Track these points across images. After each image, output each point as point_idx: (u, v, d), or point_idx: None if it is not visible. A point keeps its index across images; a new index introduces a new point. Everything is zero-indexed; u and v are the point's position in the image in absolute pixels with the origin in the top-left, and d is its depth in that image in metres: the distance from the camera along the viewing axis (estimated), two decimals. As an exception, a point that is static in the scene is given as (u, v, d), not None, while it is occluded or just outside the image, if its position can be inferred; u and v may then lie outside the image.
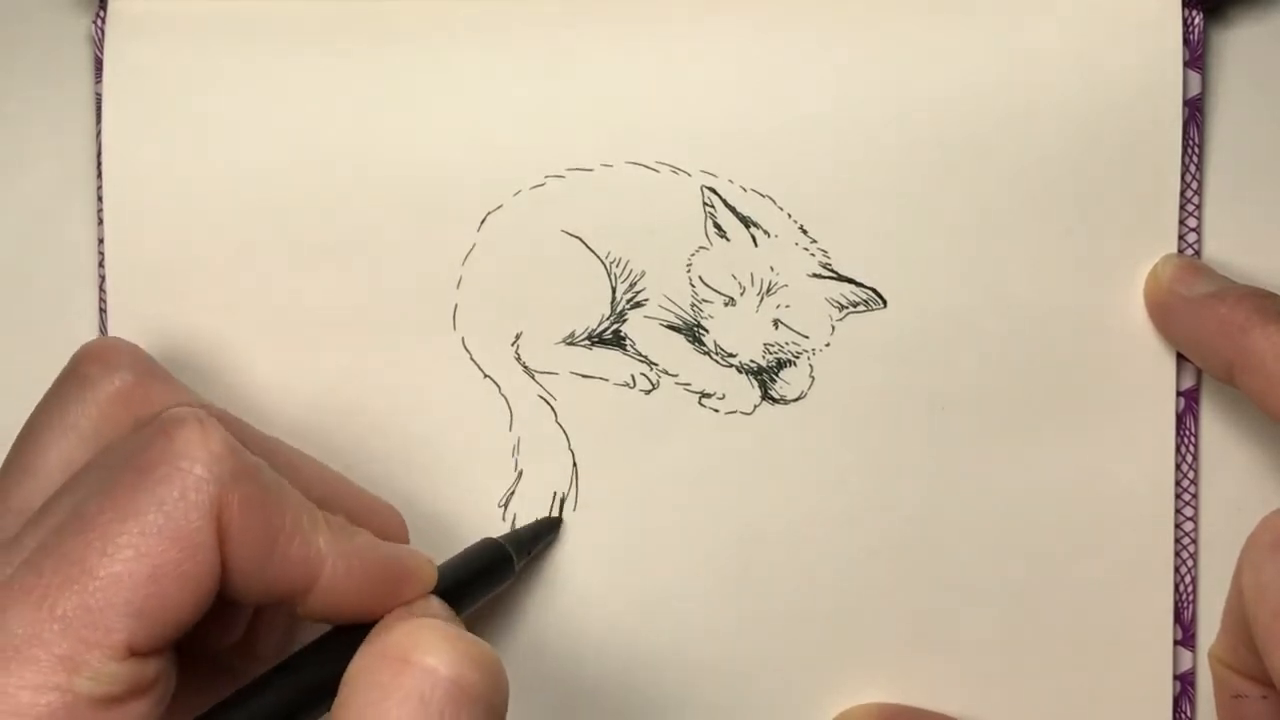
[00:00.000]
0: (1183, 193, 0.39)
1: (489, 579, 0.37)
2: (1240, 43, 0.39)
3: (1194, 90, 0.39)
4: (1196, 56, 0.39)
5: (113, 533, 0.29)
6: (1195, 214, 0.39)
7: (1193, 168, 0.39)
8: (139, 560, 0.29)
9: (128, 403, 0.34)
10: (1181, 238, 0.39)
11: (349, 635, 0.32)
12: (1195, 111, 0.39)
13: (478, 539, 0.39)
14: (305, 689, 0.32)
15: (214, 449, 0.30)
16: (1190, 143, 0.39)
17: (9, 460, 0.34)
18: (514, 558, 0.38)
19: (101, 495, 0.30)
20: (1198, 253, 0.39)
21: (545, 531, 0.40)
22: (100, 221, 0.40)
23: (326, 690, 0.31)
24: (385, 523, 0.37)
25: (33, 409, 0.34)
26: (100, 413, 0.34)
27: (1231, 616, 0.35)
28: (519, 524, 0.40)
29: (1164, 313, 0.38)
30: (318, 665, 0.32)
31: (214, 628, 0.35)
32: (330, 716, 0.30)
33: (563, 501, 0.40)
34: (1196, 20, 0.39)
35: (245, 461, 0.31)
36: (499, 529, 0.40)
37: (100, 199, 0.40)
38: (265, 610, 0.36)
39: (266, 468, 0.31)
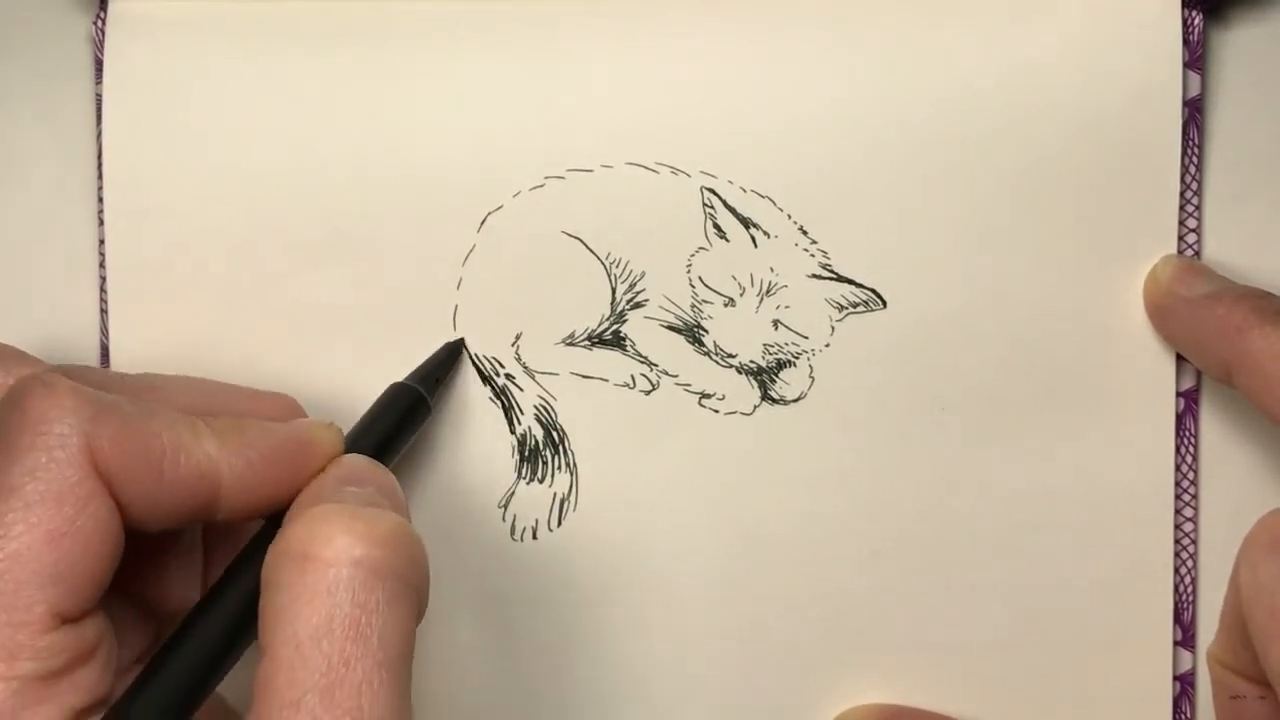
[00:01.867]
0: (1182, 193, 0.39)
1: (406, 424, 0.37)
2: (1240, 43, 0.39)
3: (1194, 91, 0.39)
4: (1196, 57, 0.39)
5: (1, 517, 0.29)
6: (1195, 214, 0.39)
7: (1193, 168, 0.39)
8: (32, 531, 0.29)
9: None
10: (1181, 238, 0.39)
11: (268, 535, 0.32)
12: (1195, 112, 0.39)
13: (475, 538, 0.39)
14: (241, 604, 0.32)
15: (66, 403, 0.30)
16: (1190, 143, 0.39)
17: None
18: (425, 394, 0.38)
19: None
20: (1198, 253, 0.39)
21: (448, 358, 0.39)
22: (101, 222, 0.40)
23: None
24: (278, 409, 0.36)
25: None
26: None
27: (1229, 617, 0.35)
28: (519, 526, 0.40)
29: (1163, 313, 0.38)
30: (247, 576, 0.32)
31: (174, 584, 0.35)
32: (258, 624, 0.30)
33: (563, 502, 0.40)
34: (1196, 21, 0.39)
35: (101, 403, 0.31)
36: (499, 530, 0.40)
37: (100, 199, 0.40)
38: (217, 550, 0.36)
39: (125, 400, 0.31)
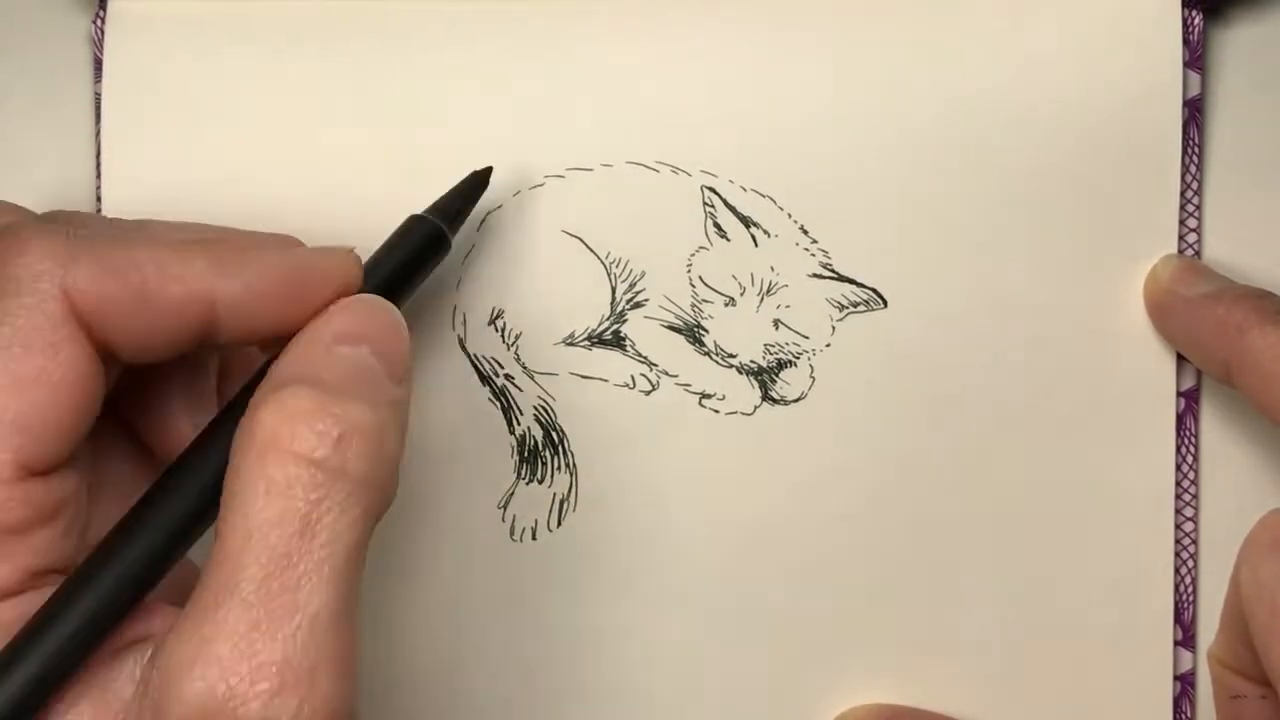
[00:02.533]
0: (1183, 193, 0.39)
1: (421, 259, 0.35)
2: (1240, 43, 0.40)
3: (1194, 90, 0.39)
4: (1196, 57, 0.39)
5: None
6: (1195, 214, 0.39)
7: (1193, 168, 0.39)
8: (0, 380, 0.28)
9: None
10: (1181, 238, 0.39)
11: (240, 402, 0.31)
12: (1195, 112, 0.39)
13: (477, 540, 0.39)
14: (211, 477, 0.30)
15: (35, 248, 0.29)
16: (1190, 143, 0.39)
17: None
18: (444, 228, 0.36)
19: None
20: (1198, 253, 0.39)
21: (471, 190, 0.37)
22: (100, 222, 0.40)
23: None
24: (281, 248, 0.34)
25: None
26: None
27: (1230, 616, 0.35)
28: (519, 526, 0.40)
29: (1162, 313, 0.38)
30: (216, 444, 0.31)
31: (180, 422, 0.34)
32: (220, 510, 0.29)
33: (562, 503, 0.40)
34: (1196, 20, 0.39)
35: (75, 243, 0.29)
36: (499, 530, 0.40)
37: (100, 199, 0.40)
38: (232, 382, 0.35)
39: (104, 236, 0.30)
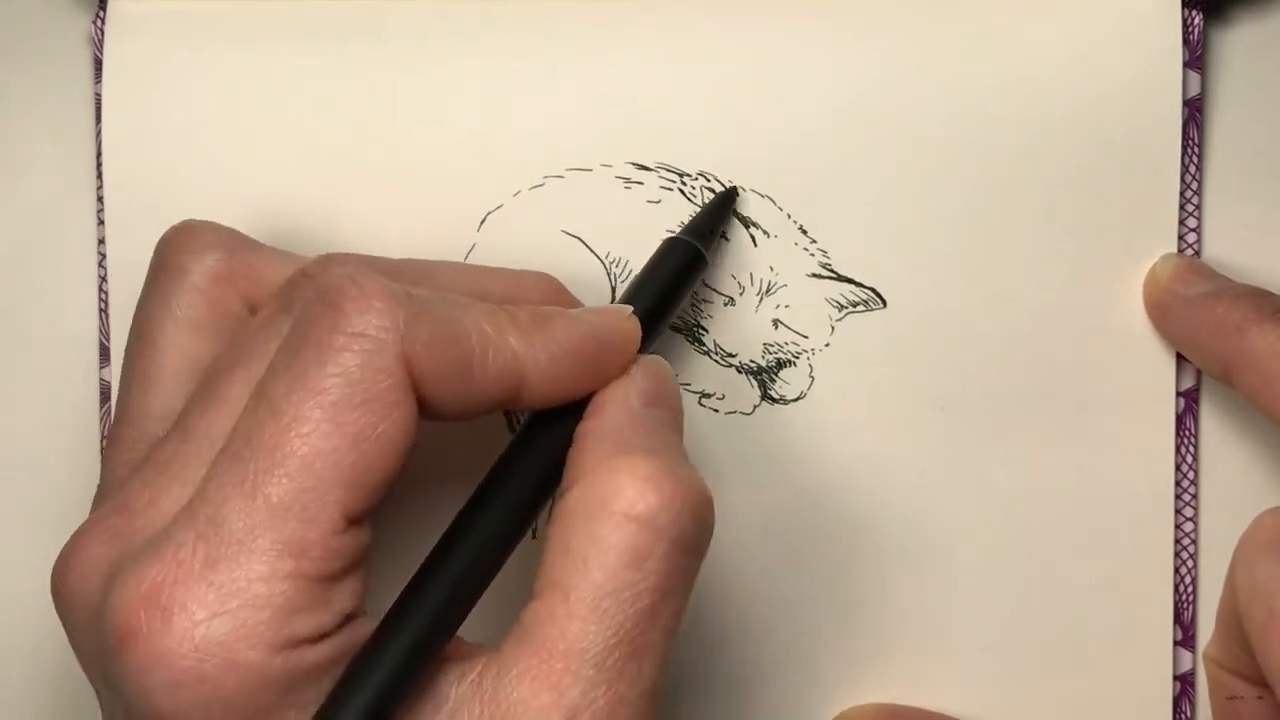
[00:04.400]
0: (1182, 193, 0.39)
1: (685, 283, 0.37)
2: (1240, 43, 0.39)
3: (1194, 90, 0.39)
4: (1196, 56, 0.39)
5: (306, 412, 0.29)
6: (1195, 214, 0.39)
7: (1192, 168, 0.39)
8: (338, 433, 0.29)
9: (230, 281, 0.34)
10: (1181, 238, 0.39)
11: (555, 422, 0.32)
12: (1195, 111, 0.39)
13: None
14: (530, 492, 0.32)
15: (380, 306, 0.30)
16: (1190, 143, 0.39)
17: (127, 370, 0.34)
18: (701, 250, 0.37)
19: (287, 377, 0.29)
20: (1197, 253, 0.39)
21: (722, 207, 0.38)
22: (100, 222, 0.40)
23: (549, 484, 0.32)
24: (544, 294, 0.36)
25: (134, 313, 0.34)
26: (205, 299, 0.34)
27: (1225, 617, 0.35)
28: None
29: (1162, 312, 0.38)
30: (538, 458, 0.32)
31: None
32: (547, 551, 0.30)
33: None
34: (1196, 20, 0.39)
35: (415, 303, 0.30)
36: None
37: (100, 199, 0.40)
38: None
39: (434, 297, 0.31)
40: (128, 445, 0.33)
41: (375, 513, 0.30)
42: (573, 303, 0.36)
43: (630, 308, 0.34)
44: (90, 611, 0.29)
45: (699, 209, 0.38)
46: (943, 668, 0.40)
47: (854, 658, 0.40)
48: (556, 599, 0.29)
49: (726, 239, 0.39)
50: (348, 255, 0.34)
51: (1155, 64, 0.38)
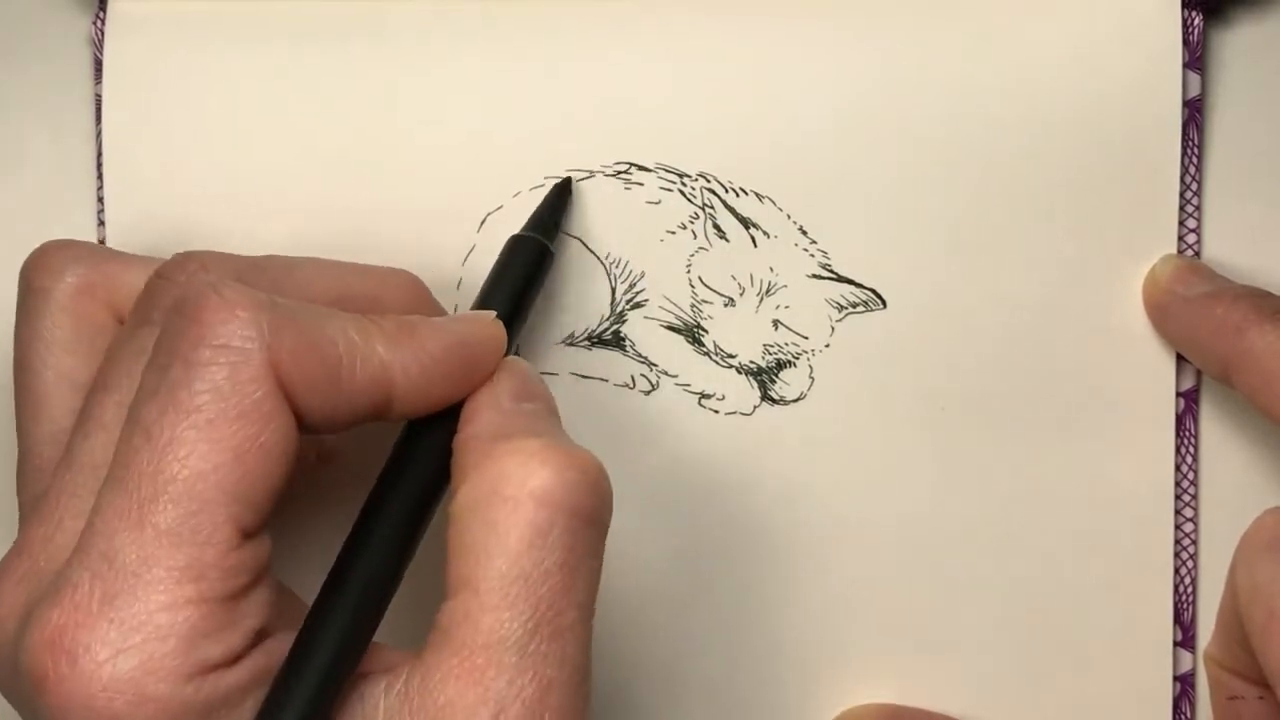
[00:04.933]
0: (1182, 193, 0.39)
1: (535, 279, 0.37)
2: (1240, 43, 0.39)
3: (1194, 91, 0.39)
4: (1196, 57, 0.39)
5: (181, 434, 0.28)
6: (1195, 214, 0.39)
7: (1192, 168, 0.39)
8: (217, 451, 0.29)
9: (92, 295, 0.33)
10: (1181, 238, 0.39)
11: (429, 430, 0.32)
12: (1195, 112, 0.39)
13: None
14: (418, 500, 0.32)
15: (244, 315, 0.29)
16: (1190, 143, 0.39)
17: (16, 403, 0.34)
18: (548, 245, 0.37)
19: (158, 399, 0.29)
20: (1197, 253, 0.39)
21: (559, 199, 0.38)
22: (101, 223, 0.40)
23: (438, 488, 0.32)
24: (407, 293, 0.35)
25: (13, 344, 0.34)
26: (70, 317, 0.33)
27: (1226, 617, 0.35)
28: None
29: (1161, 313, 0.38)
30: (420, 466, 0.32)
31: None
32: (450, 551, 0.30)
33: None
34: (1196, 21, 0.39)
35: (279, 311, 0.30)
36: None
37: (101, 200, 0.40)
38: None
39: (298, 306, 0.30)
40: (30, 479, 0.33)
41: (270, 523, 0.30)
42: (434, 304, 0.36)
43: (493, 313, 0.34)
44: (9, 657, 0.29)
45: (539, 204, 0.38)
46: (943, 668, 0.40)
47: (853, 658, 0.40)
48: (467, 595, 0.29)
49: (726, 239, 0.39)
50: (205, 255, 0.33)
51: (1155, 64, 0.38)
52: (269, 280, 0.32)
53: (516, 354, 0.35)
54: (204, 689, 0.28)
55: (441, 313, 0.36)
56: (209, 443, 0.28)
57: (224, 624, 0.29)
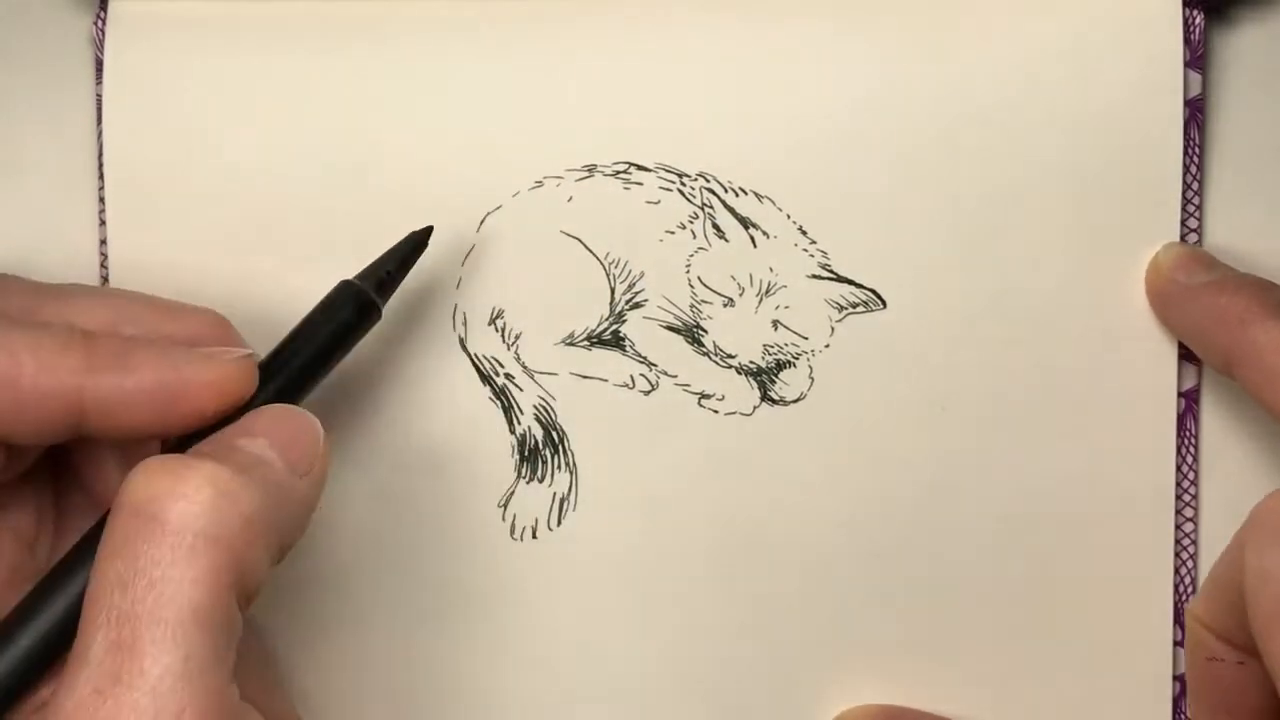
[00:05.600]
0: (1183, 193, 0.39)
1: (347, 336, 0.35)
2: (1240, 43, 0.39)
3: (1194, 90, 0.39)
4: (1197, 56, 0.39)
5: None
6: (1196, 214, 0.39)
7: (1193, 168, 0.39)
8: None
9: None
10: (1182, 238, 0.39)
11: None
12: (1196, 111, 0.39)
13: (475, 538, 0.39)
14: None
15: None
16: (1191, 143, 0.39)
17: None
18: (376, 300, 0.35)
19: None
20: (1198, 253, 0.39)
21: (409, 252, 0.37)
22: (102, 222, 0.40)
23: None
24: (203, 327, 0.34)
25: None
26: None
27: (1221, 583, 0.34)
28: (519, 525, 0.40)
29: (1163, 301, 0.38)
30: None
31: (21, 504, 0.34)
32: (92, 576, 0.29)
33: (562, 502, 0.40)
34: (1197, 20, 0.38)
35: None
36: (499, 530, 0.40)
37: (101, 200, 0.40)
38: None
39: None
40: None
41: None
42: (238, 344, 0.35)
43: (243, 351, 0.33)
44: None
45: (384, 252, 0.37)
46: (943, 668, 0.40)
47: (853, 658, 0.40)
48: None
49: (726, 239, 0.39)
50: None
51: (1156, 64, 0.38)
52: (40, 299, 0.32)
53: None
54: None
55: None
56: None
57: None
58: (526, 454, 0.40)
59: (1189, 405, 0.39)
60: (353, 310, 0.35)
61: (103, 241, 0.40)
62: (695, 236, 0.39)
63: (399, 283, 0.36)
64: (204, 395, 0.32)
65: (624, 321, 0.39)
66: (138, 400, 0.31)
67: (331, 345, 0.35)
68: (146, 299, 0.35)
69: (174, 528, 0.29)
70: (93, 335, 0.31)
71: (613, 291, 0.39)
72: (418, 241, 0.37)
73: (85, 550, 0.31)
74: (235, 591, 0.29)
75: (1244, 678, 0.35)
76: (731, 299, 0.39)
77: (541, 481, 0.40)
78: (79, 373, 0.31)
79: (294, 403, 0.34)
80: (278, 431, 0.32)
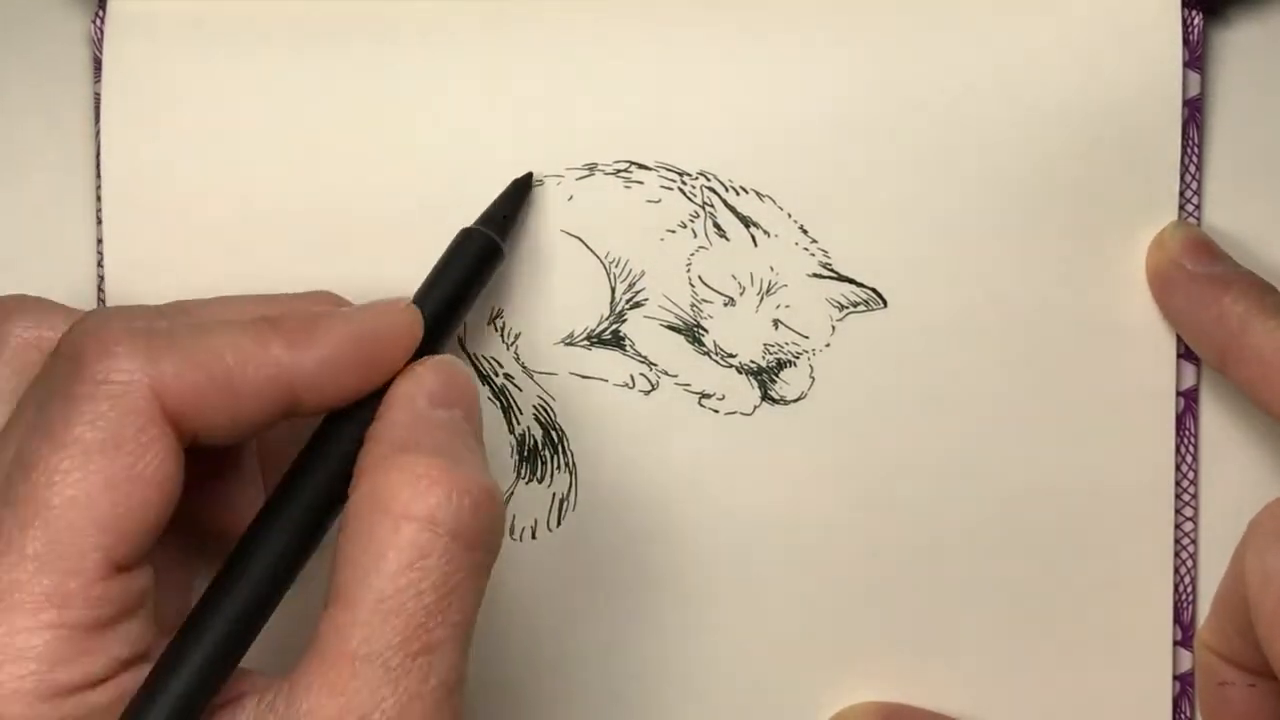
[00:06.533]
0: (1182, 193, 0.39)
1: (477, 273, 0.36)
2: (1240, 43, 0.39)
3: (1193, 90, 0.39)
4: (1196, 57, 0.39)
5: (55, 462, 0.29)
6: (1195, 214, 0.39)
7: (1192, 168, 0.39)
8: (89, 481, 0.29)
9: (40, 349, 0.34)
10: (1181, 238, 0.39)
11: (342, 425, 0.32)
12: (1195, 112, 0.39)
13: None
14: (312, 506, 0.32)
15: (121, 350, 0.30)
16: (1190, 143, 0.39)
17: None
18: (497, 240, 0.37)
19: (37, 433, 0.30)
20: (1197, 253, 0.39)
21: (516, 195, 0.38)
22: (99, 221, 0.40)
23: (340, 489, 0.31)
24: (321, 307, 0.35)
25: None
26: (13, 369, 0.34)
27: (1225, 602, 0.35)
28: (519, 526, 0.40)
29: (1164, 283, 0.38)
30: (325, 470, 0.32)
31: (233, 499, 0.35)
32: (334, 558, 0.30)
33: (562, 502, 0.40)
34: (1196, 20, 0.39)
35: (157, 338, 0.30)
36: (498, 529, 0.40)
37: (99, 199, 0.40)
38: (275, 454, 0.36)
39: (179, 326, 0.31)
40: None
41: (151, 556, 0.30)
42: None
43: (404, 300, 0.34)
44: None
45: (495, 199, 0.38)
46: (942, 667, 0.40)
47: (852, 657, 0.40)
48: (340, 607, 0.29)
49: (726, 238, 0.39)
50: (107, 309, 0.33)
51: (1155, 64, 0.38)
52: (183, 317, 0.33)
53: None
54: (63, 708, 0.29)
55: None
56: (82, 472, 0.29)
57: (85, 650, 0.29)
58: (526, 454, 0.40)
59: (1188, 405, 0.39)
60: (478, 252, 0.36)
61: (100, 240, 0.40)
62: (696, 235, 0.39)
63: (514, 223, 0.38)
64: (396, 346, 0.33)
65: (624, 321, 0.39)
66: (340, 365, 0.32)
67: (464, 289, 0.36)
68: (262, 297, 0.35)
69: (466, 542, 0.30)
70: (276, 319, 0.32)
71: (613, 291, 0.39)
72: (523, 184, 0.38)
73: (257, 551, 0.31)
74: None
75: (1256, 700, 0.35)
76: (732, 298, 0.39)
77: (541, 482, 0.40)
78: (281, 355, 0.31)
79: (440, 350, 0.34)
80: (461, 394, 0.33)
